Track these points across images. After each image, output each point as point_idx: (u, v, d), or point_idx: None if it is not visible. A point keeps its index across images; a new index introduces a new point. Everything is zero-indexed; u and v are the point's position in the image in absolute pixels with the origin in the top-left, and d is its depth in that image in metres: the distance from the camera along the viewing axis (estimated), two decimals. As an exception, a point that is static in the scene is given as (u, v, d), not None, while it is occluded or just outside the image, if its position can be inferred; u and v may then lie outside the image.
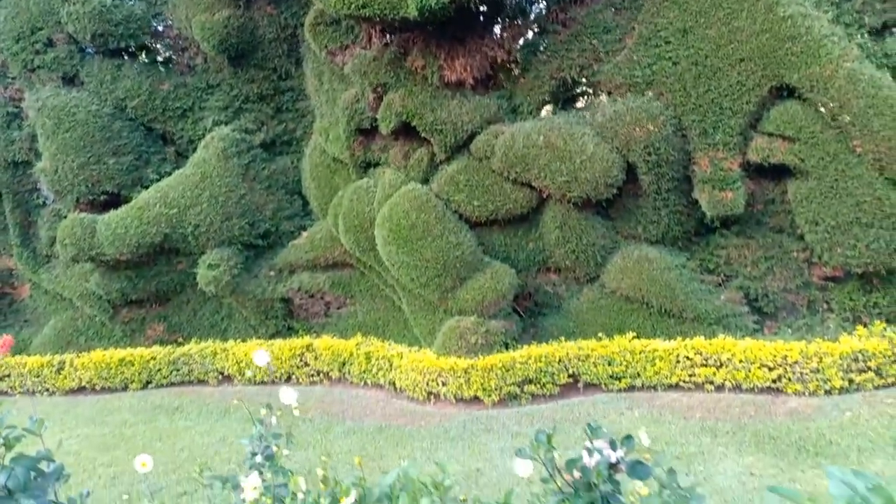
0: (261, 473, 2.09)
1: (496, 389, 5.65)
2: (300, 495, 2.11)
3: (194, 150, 7.60)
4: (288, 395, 2.46)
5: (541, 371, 5.70)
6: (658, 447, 4.44)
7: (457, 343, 5.85)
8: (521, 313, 6.52)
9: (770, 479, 3.77)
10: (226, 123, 7.57)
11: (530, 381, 5.72)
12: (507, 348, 6.02)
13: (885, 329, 5.42)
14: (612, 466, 2.36)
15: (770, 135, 5.06)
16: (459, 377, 5.70)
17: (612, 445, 2.35)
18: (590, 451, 2.30)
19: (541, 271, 6.39)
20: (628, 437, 2.42)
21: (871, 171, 4.78)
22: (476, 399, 5.73)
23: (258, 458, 2.32)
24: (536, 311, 6.51)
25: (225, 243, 7.15)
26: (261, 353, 2.60)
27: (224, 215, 7.11)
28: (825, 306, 5.78)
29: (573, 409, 5.35)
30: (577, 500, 2.27)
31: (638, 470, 2.40)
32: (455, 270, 5.88)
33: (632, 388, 5.72)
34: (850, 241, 5.03)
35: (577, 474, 2.26)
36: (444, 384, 5.79)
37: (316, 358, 6.88)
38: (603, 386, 5.77)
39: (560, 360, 5.76)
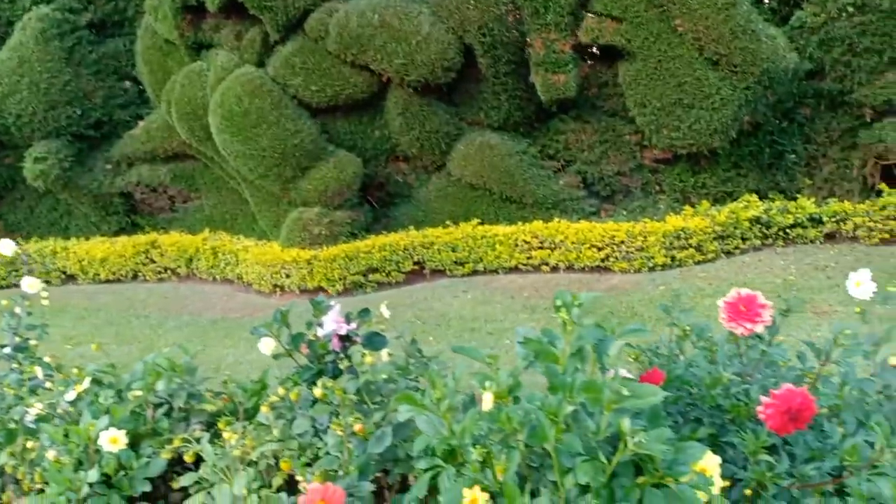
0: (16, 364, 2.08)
1: (340, 279, 5.65)
2: (48, 384, 2.07)
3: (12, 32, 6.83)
4: (31, 284, 2.31)
5: (385, 260, 5.72)
6: (478, 325, 4.62)
7: (300, 235, 5.76)
8: (374, 203, 6.46)
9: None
10: (46, 2, 6.80)
11: (375, 270, 5.74)
12: (355, 238, 5.98)
13: (709, 208, 5.73)
14: (346, 339, 2.38)
15: (599, 14, 5.02)
16: (302, 268, 5.65)
17: (347, 319, 2.36)
18: (314, 326, 2.29)
19: (389, 160, 6.28)
20: (364, 311, 2.43)
21: (691, 50, 4.86)
22: (321, 289, 5.72)
23: (7, 350, 2.24)
24: (388, 200, 6.46)
25: (52, 134, 6.59)
26: (5, 242, 2.40)
27: (48, 104, 6.51)
28: (657, 188, 6.02)
29: (413, 294, 5.43)
30: (306, 372, 2.28)
31: (374, 341, 2.43)
32: (295, 160, 5.68)
33: (474, 272, 5.85)
34: (675, 122, 5.18)
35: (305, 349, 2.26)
36: (287, 276, 5.73)
37: (162, 254, 6.64)
38: (447, 272, 5.87)
39: (405, 249, 5.79)
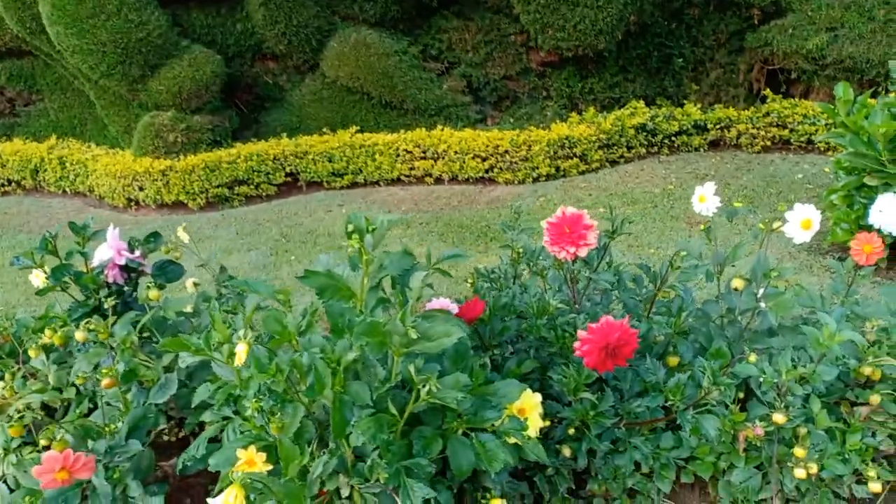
0: None
1: (201, 193, 5.13)
2: None
3: None
4: None
5: (252, 171, 5.23)
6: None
7: (153, 142, 5.15)
8: (242, 107, 5.87)
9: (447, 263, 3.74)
10: None
11: (242, 182, 5.25)
12: (219, 146, 5.43)
13: (595, 116, 5.50)
14: (130, 269, 1.99)
15: None
16: (157, 181, 5.09)
17: (130, 247, 1.96)
18: (87, 254, 1.89)
19: (256, 58, 5.66)
20: (153, 235, 2.04)
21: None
22: (181, 204, 5.20)
23: None
24: (258, 104, 5.88)
25: None
26: None
27: None
28: (545, 94, 5.72)
29: (284, 208, 5.02)
30: (77, 310, 1.90)
31: (168, 271, 2.06)
32: (141, 56, 4.99)
33: (354, 184, 5.47)
34: (560, 21, 4.83)
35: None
36: (141, 189, 5.16)
37: (3, 165, 5.87)
38: (325, 184, 5.46)
39: (275, 159, 5.31)
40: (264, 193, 5.34)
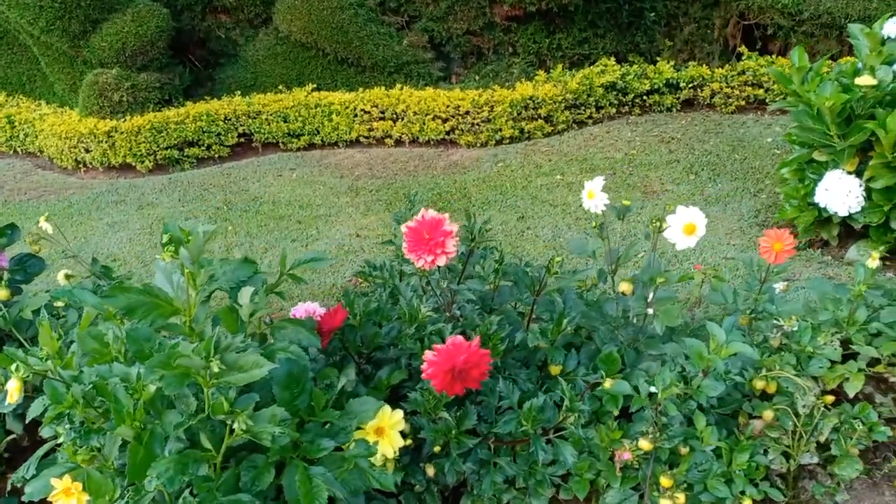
0: None
1: (149, 155, 4.95)
2: None
3: None
4: None
5: (203, 131, 5.03)
6: (290, 211, 4.13)
7: (97, 102, 4.94)
8: (197, 63, 5.62)
9: (375, 240, 3.60)
10: None
11: (192, 144, 5.06)
12: (169, 105, 5.22)
13: (562, 74, 5.25)
14: None
15: None
16: (103, 142, 4.90)
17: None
18: None
19: (208, 11, 5.39)
20: (9, 227, 1.89)
21: None
22: (129, 166, 5.02)
23: None
24: (213, 60, 5.64)
25: None
26: None
27: None
28: (511, 50, 5.45)
29: (233, 172, 4.84)
30: None
31: (27, 265, 1.92)
32: (81, 11, 4.74)
33: (312, 145, 5.27)
34: (521, -25, 4.54)
35: None
36: (87, 151, 4.98)
37: (-49, 124, 5.67)
38: (281, 145, 5.26)
39: (227, 119, 5.10)
40: (217, 155, 5.15)
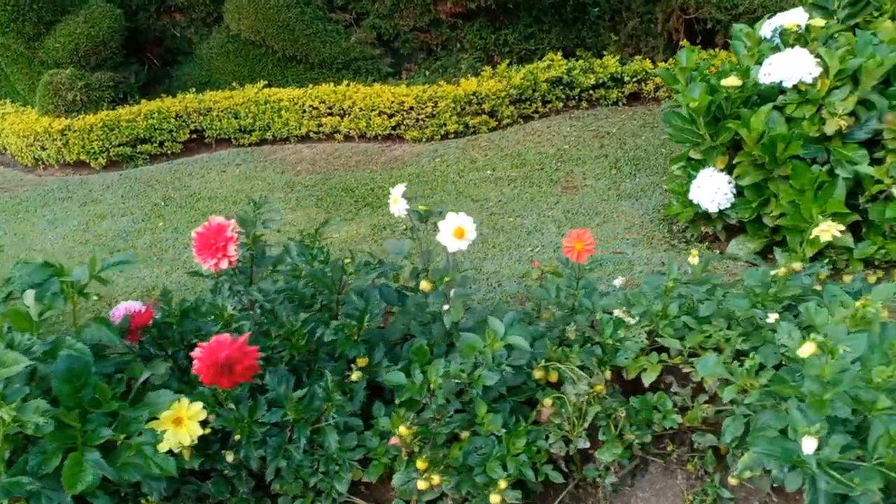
0: None
1: (102, 152, 5.12)
2: None
3: None
4: None
5: (154, 129, 5.18)
6: (225, 206, 4.28)
7: (52, 101, 5.11)
8: (155, 61, 5.78)
9: (293, 235, 3.72)
10: None
11: (145, 141, 5.22)
12: (124, 103, 5.38)
13: (507, 69, 5.34)
14: None
15: None
16: (57, 140, 5.07)
17: None
18: None
19: (162, 10, 5.53)
20: None
21: None
22: (83, 163, 5.20)
23: None
24: (170, 58, 5.79)
25: None
26: None
27: None
28: (458, 46, 5.55)
29: (182, 168, 4.99)
30: None
31: None
32: (34, 13, 4.90)
33: (264, 141, 5.41)
34: (457, -27, 4.63)
35: None
36: (44, 149, 5.16)
37: (-78, 122, 5.88)
38: (233, 140, 5.41)
39: (178, 116, 5.25)
40: (170, 151, 5.30)
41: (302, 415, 1.57)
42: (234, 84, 5.53)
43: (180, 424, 1.62)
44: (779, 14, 2.86)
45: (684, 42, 5.26)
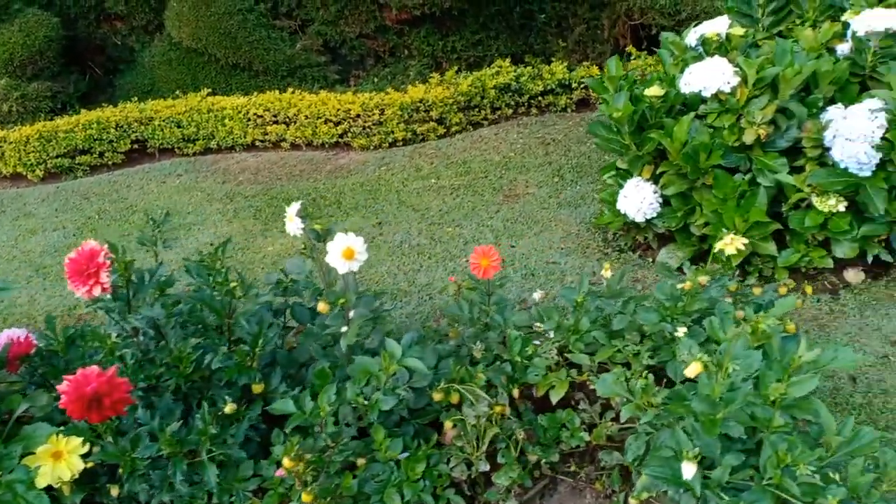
0: None
1: (39, 164, 4.97)
2: None
3: None
4: None
5: (93, 139, 5.05)
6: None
7: (-13, 112, 4.96)
8: (97, 70, 5.64)
9: (229, 249, 3.64)
10: None
11: (84, 152, 5.08)
12: (64, 112, 5.24)
13: (455, 76, 5.30)
14: None
15: None
16: (-9, 152, 4.93)
17: None
18: None
19: (102, 19, 5.41)
20: None
21: None
22: (21, 175, 5.05)
23: None
24: (112, 67, 5.66)
25: None
26: None
27: None
28: (406, 52, 5.50)
29: (121, 180, 4.87)
30: None
31: None
32: (-36, 22, 4.76)
33: (208, 150, 5.30)
34: (399, -20, 4.58)
35: None
36: (-22, 161, 5.00)
37: None
38: (177, 150, 5.30)
39: (118, 126, 5.12)
40: (110, 162, 5.18)
41: (177, 448, 1.51)
42: (177, 92, 5.43)
43: (60, 459, 1.54)
44: (705, 22, 2.86)
45: (630, 48, 5.28)
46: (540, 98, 5.32)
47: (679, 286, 1.90)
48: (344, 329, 1.71)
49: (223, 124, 5.16)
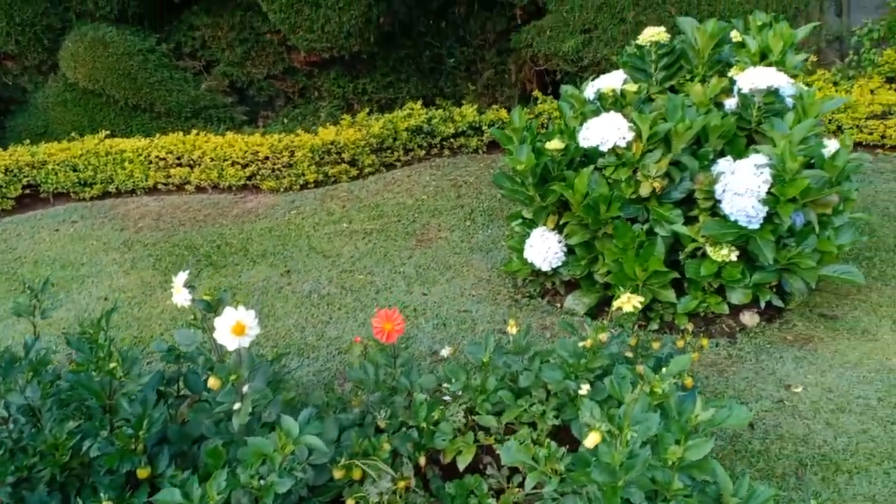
0: None
1: (-85, 211, 4.60)
2: None
3: None
4: None
5: (-22, 184, 4.72)
6: (52, 271, 3.91)
7: None
8: (-16, 111, 5.30)
9: (125, 303, 3.45)
10: None
11: (-31, 198, 4.74)
12: (-55, 157, 4.87)
13: (367, 118, 5.29)
14: None
15: None
16: None
17: None
18: None
19: (-11, 57, 5.11)
20: None
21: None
22: None
23: None
24: (3, 108, 5.33)
25: None
26: None
27: None
28: (316, 94, 5.45)
29: (11, 228, 4.56)
30: None
31: None
32: None
33: (107, 194, 5.05)
34: (307, 22, 4.55)
35: None
36: None
37: None
38: (73, 194, 5.01)
39: (8, 170, 4.81)
40: (0, 209, 4.84)
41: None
42: (73, 135, 5.16)
43: None
44: (601, 76, 2.96)
45: (536, 92, 5.43)
46: (452, 140, 5.38)
47: (581, 344, 1.91)
48: (237, 406, 1.62)
49: (123, 167, 4.93)
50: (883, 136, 4.65)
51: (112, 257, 4.04)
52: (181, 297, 1.65)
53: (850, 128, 4.68)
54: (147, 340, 3.08)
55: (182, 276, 1.67)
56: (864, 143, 4.73)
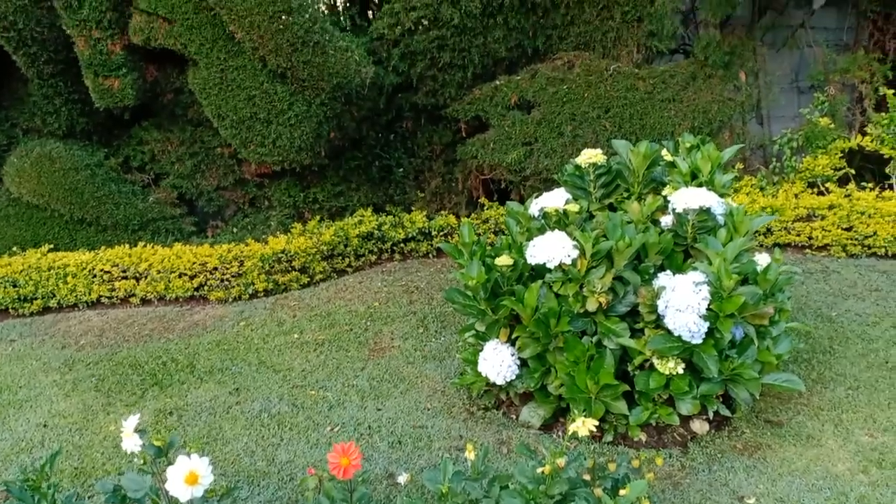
0: None
1: None
2: None
3: None
4: None
5: None
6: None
7: None
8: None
9: (63, 430, 3.29)
10: None
11: None
12: None
13: (317, 226, 5.34)
14: None
15: (147, 13, 4.28)
16: None
17: None
18: None
19: (-71, 173, 5.01)
20: None
21: (254, 61, 4.33)
22: None
23: None
24: (-61, 221, 5.19)
25: None
26: None
27: None
28: (267, 203, 5.51)
29: (-60, 348, 4.33)
30: None
31: None
32: None
33: (47, 309, 4.90)
34: (258, 137, 4.65)
35: None
36: None
37: None
38: (11, 311, 4.85)
39: (-58, 287, 4.64)
40: (-71, 328, 4.63)
41: None
42: (14, 249, 5.04)
43: None
44: (545, 194, 3.10)
45: (483, 199, 5.62)
46: (402, 244, 5.47)
47: (539, 470, 1.91)
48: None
49: (65, 282, 4.82)
50: (810, 238, 4.94)
51: (52, 378, 3.87)
52: (131, 442, 1.60)
53: (779, 230, 4.97)
54: (89, 472, 2.92)
55: (133, 420, 1.62)
56: (792, 244, 5.02)
